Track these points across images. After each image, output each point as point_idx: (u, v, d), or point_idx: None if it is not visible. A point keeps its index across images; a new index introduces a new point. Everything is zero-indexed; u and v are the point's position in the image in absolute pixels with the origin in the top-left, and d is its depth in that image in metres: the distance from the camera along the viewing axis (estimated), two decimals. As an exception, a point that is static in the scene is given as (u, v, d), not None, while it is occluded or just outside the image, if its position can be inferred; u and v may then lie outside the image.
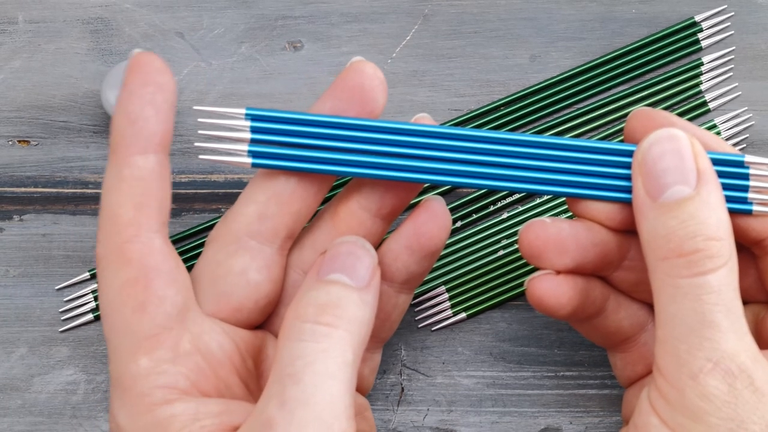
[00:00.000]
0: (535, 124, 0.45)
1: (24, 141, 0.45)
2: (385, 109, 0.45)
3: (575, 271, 0.36)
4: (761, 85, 0.46)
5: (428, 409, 0.43)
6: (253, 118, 0.34)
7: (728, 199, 0.34)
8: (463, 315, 0.44)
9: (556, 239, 0.35)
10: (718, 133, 0.45)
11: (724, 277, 0.31)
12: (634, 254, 0.36)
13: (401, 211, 0.37)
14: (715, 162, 0.34)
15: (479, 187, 0.35)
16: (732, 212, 0.34)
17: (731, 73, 0.46)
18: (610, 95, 0.46)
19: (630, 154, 0.35)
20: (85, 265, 0.44)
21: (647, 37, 0.46)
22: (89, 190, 0.44)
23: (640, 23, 0.46)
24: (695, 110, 0.45)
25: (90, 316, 0.43)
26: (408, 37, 0.46)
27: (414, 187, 0.36)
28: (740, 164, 0.35)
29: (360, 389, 0.38)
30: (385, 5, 0.46)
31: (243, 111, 0.34)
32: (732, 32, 0.46)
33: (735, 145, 0.45)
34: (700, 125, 0.45)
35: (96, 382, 0.43)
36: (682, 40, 0.46)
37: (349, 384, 0.31)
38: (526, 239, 0.35)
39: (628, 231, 0.36)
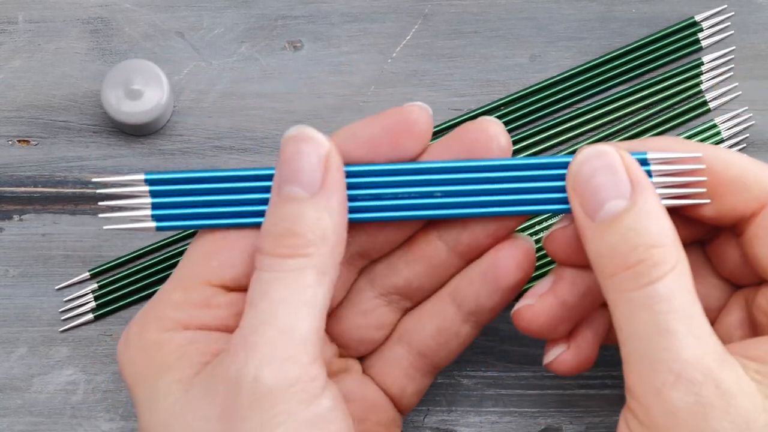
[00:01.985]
0: (535, 124, 0.45)
1: (24, 141, 0.45)
2: (384, 109, 0.45)
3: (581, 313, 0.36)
4: (761, 85, 0.46)
5: (428, 409, 0.43)
6: (152, 182, 0.34)
7: None
8: (463, 315, 0.44)
9: (546, 318, 0.35)
10: (718, 133, 0.45)
11: (673, 282, 0.31)
12: None
13: (479, 252, 0.36)
14: None
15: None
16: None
17: (731, 73, 0.46)
18: (610, 95, 0.46)
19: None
20: (85, 265, 0.44)
21: (647, 37, 0.46)
22: (89, 190, 0.44)
23: (640, 23, 0.46)
24: (695, 110, 0.45)
25: (90, 316, 0.43)
26: (408, 37, 0.46)
27: (494, 231, 0.35)
28: (644, 162, 0.34)
29: (399, 407, 0.38)
30: (385, 5, 0.46)
31: (142, 177, 0.34)
32: (732, 32, 0.46)
33: (735, 144, 0.45)
34: (700, 125, 0.45)
35: (96, 382, 0.43)
36: (682, 39, 0.46)
37: (309, 306, 0.31)
38: (521, 326, 0.36)
39: None
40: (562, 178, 0.34)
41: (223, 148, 0.45)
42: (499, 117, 0.45)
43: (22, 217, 0.44)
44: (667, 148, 0.34)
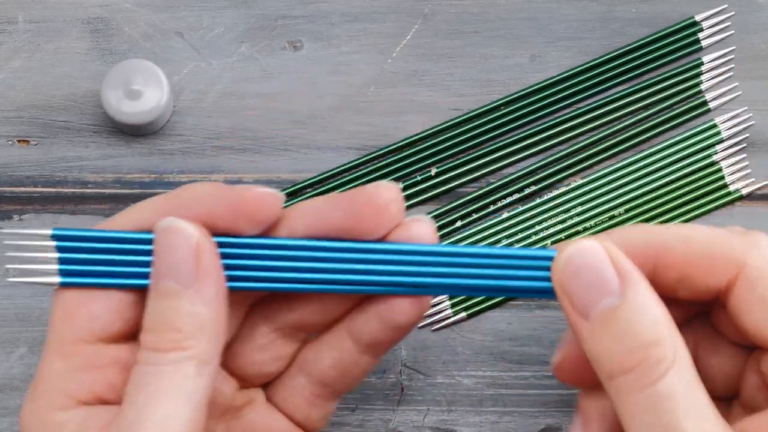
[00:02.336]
0: (535, 124, 0.45)
1: (24, 141, 0.45)
2: (384, 109, 0.45)
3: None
4: (761, 85, 0.46)
5: (428, 409, 0.43)
6: (59, 238, 0.34)
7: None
8: (464, 314, 0.44)
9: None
10: (718, 133, 0.45)
11: (675, 377, 0.30)
12: None
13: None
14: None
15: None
16: None
17: (731, 73, 0.46)
18: (610, 95, 0.46)
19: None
20: (84, 265, 0.44)
21: (647, 37, 0.46)
22: (89, 190, 0.44)
23: (640, 23, 0.46)
24: (695, 110, 0.45)
25: (90, 316, 0.43)
26: (408, 37, 0.46)
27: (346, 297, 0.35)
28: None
29: (308, 430, 0.38)
30: (385, 5, 0.46)
31: (49, 232, 0.34)
32: (732, 32, 0.46)
33: (735, 144, 0.45)
34: (700, 125, 0.45)
35: (96, 382, 0.43)
36: (682, 39, 0.46)
37: (188, 398, 0.31)
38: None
39: None
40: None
41: (223, 148, 0.45)
42: (499, 117, 0.45)
43: (21, 217, 0.44)
44: (627, 238, 0.33)
